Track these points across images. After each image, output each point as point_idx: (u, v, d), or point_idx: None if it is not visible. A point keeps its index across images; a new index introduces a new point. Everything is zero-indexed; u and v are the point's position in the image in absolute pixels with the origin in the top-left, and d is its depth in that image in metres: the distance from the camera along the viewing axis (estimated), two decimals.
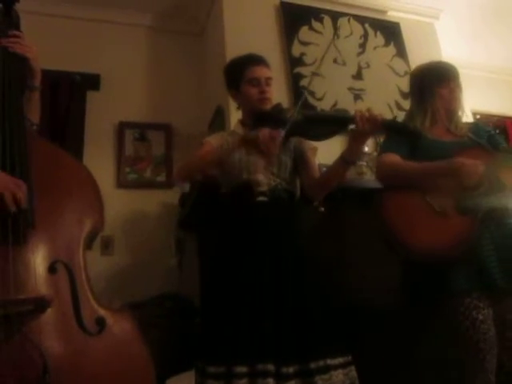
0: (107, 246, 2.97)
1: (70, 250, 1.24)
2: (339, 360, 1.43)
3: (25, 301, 1.10)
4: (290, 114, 1.56)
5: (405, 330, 1.97)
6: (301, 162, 1.76)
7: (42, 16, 3.20)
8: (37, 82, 1.49)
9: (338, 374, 1.40)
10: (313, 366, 1.38)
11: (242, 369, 1.35)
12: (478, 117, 4.34)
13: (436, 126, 1.83)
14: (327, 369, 1.39)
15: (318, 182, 1.72)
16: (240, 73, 1.73)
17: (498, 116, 4.54)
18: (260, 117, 1.66)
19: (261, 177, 1.64)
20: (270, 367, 1.34)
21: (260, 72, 1.72)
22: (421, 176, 1.70)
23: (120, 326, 1.21)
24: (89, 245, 1.31)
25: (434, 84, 1.86)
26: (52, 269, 1.18)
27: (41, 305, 1.12)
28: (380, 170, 1.83)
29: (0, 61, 1.40)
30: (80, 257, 1.24)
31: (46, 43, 2.85)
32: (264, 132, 1.46)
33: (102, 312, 1.20)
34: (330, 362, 1.40)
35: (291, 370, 1.36)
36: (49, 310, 1.13)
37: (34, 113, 1.50)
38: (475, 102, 4.20)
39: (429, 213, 1.64)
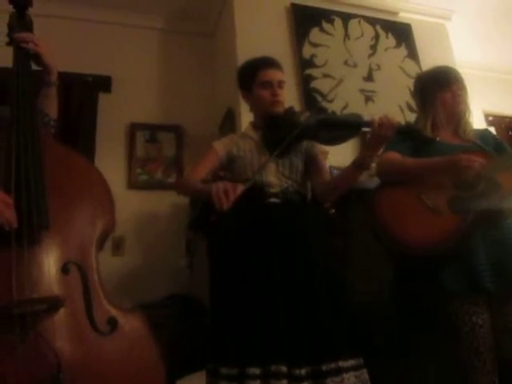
0: (118, 247, 2.99)
1: (83, 250, 1.25)
2: (351, 362, 1.42)
3: (39, 300, 1.11)
4: (303, 118, 1.56)
5: (409, 332, 1.96)
6: (312, 164, 1.76)
7: (54, 18, 3.22)
8: (53, 77, 1.50)
9: (350, 377, 1.40)
10: (325, 368, 1.37)
11: (255, 370, 1.35)
12: (491, 118, 4.31)
13: (443, 130, 1.83)
14: (339, 371, 1.38)
15: (330, 185, 1.72)
16: (253, 75, 1.73)
17: (511, 117, 4.50)
18: (272, 120, 1.67)
19: (272, 178, 1.65)
20: (283, 368, 1.34)
21: (273, 75, 1.72)
22: (419, 170, 1.72)
23: (132, 327, 1.21)
24: (100, 245, 1.32)
25: (435, 89, 1.87)
26: (65, 269, 1.19)
27: (54, 304, 1.13)
28: (380, 166, 1.84)
29: (14, 63, 1.42)
30: (92, 258, 1.25)
31: (58, 45, 2.86)
32: (217, 187, 1.38)
33: (114, 312, 1.20)
34: (341, 364, 1.40)
35: (303, 371, 1.36)
36: (62, 310, 1.14)
37: (51, 108, 1.52)
38: (487, 103, 4.18)
39: (422, 209, 1.66)
